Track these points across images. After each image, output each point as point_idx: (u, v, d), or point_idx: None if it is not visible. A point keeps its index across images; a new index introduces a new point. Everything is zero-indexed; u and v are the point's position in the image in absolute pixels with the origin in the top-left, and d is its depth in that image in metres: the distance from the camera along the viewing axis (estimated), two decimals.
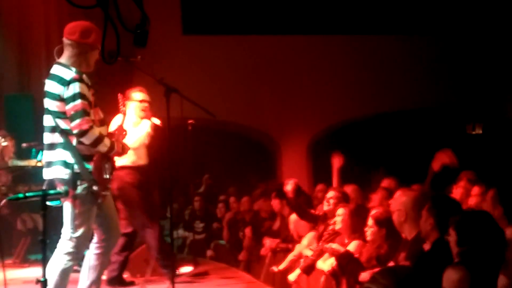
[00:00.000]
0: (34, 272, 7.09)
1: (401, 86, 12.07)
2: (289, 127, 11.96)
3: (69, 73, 4.25)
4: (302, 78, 11.93)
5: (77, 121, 4.17)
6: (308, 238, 6.62)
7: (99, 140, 4.25)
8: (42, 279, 3.49)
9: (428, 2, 11.88)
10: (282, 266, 6.79)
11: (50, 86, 4.30)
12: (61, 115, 4.24)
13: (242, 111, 11.67)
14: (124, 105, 4.84)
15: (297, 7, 11.95)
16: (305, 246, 6.53)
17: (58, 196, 4.01)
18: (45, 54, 10.00)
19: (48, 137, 4.34)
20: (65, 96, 4.19)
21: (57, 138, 4.28)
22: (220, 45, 11.59)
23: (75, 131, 4.19)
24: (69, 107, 4.18)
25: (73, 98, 4.18)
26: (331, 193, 6.25)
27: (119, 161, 5.44)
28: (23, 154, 7.71)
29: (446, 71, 12.01)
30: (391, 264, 4.75)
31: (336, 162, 6.85)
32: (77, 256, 4.35)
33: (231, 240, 8.91)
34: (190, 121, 6.91)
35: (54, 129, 4.29)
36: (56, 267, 4.24)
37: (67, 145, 4.23)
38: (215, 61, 11.38)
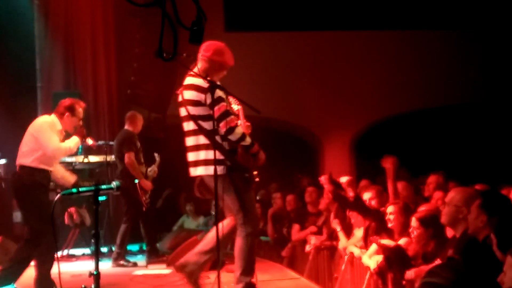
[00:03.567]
0: (82, 265, 7.24)
1: (445, 81, 11.88)
2: (331, 123, 11.89)
3: (206, 82, 4.71)
4: (345, 74, 11.84)
5: (225, 121, 4.67)
6: (356, 234, 6.54)
7: (243, 136, 4.80)
8: (95, 272, 3.51)
9: None
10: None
11: (188, 95, 4.81)
12: (205, 118, 4.73)
13: (285, 107, 11.65)
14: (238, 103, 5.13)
15: (339, 2, 11.87)
16: (351, 242, 6.46)
17: (126, 190, 4.16)
18: (91, 53, 10.19)
19: (192, 140, 4.85)
20: (207, 102, 4.69)
21: (201, 139, 4.79)
22: (262, 41, 11.60)
23: (224, 130, 4.68)
24: (215, 110, 4.64)
25: (217, 101, 4.68)
26: (391, 208, 5.74)
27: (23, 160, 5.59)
28: None
29: (493, 66, 11.77)
30: (438, 261, 4.67)
31: (390, 164, 6.36)
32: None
33: (274, 236, 8.89)
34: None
35: (197, 131, 4.80)
36: (242, 249, 4.80)
37: (214, 145, 4.65)
38: (258, 57, 11.38)
